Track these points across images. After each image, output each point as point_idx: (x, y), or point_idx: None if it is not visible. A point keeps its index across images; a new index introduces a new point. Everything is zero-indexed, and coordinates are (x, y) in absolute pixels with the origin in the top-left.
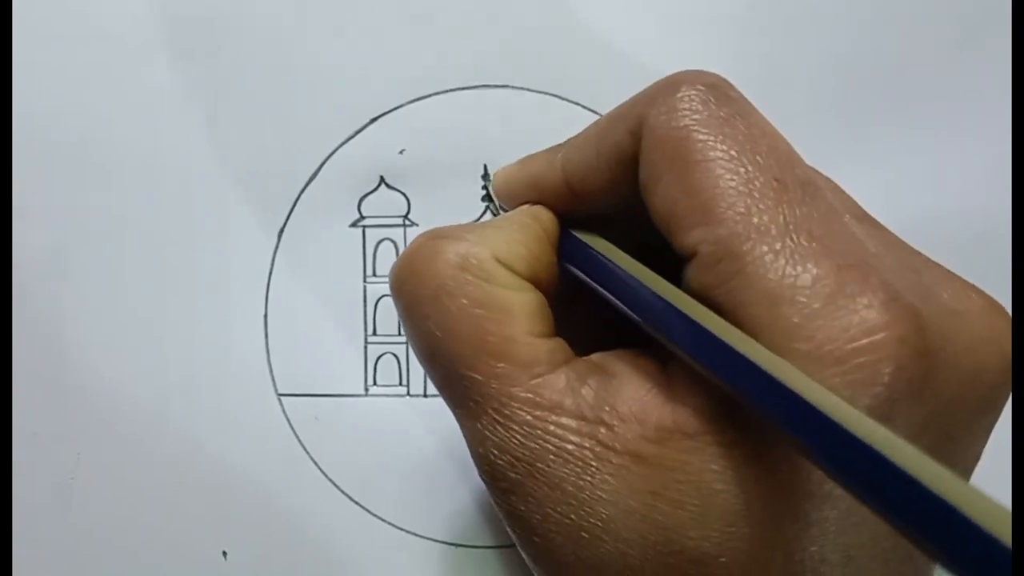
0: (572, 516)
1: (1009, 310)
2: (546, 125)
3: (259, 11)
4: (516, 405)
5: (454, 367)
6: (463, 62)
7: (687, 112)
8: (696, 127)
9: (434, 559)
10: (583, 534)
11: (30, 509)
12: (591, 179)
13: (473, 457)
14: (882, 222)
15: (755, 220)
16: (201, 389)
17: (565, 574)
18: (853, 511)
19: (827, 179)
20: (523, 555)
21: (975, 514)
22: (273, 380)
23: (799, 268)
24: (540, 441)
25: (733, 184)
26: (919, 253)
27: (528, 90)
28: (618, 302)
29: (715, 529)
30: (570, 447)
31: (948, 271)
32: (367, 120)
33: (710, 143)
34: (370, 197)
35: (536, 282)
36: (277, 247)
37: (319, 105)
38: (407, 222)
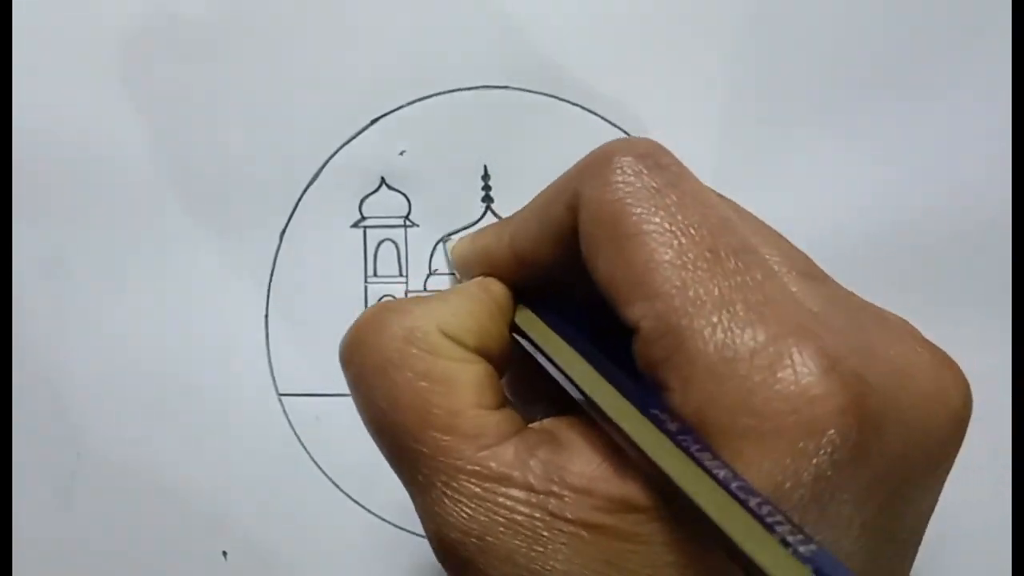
0: None
1: (1009, 310)
2: (546, 126)
3: (259, 12)
4: (464, 478)
5: (401, 440)
6: (463, 63)
7: (620, 184)
8: (629, 199)
9: (434, 559)
10: None
11: (30, 509)
12: (537, 252)
13: (426, 534)
14: (882, 222)
15: (691, 293)
16: (202, 389)
17: None
18: None
19: (772, 233)
20: None
21: None
22: (274, 380)
23: (737, 341)
24: (490, 513)
25: (668, 257)
26: (868, 306)
27: (528, 91)
28: (563, 380)
29: None
30: (520, 518)
31: (898, 321)
32: (368, 121)
33: (644, 215)
34: (371, 198)
35: (485, 353)
36: (279, 247)
37: (320, 106)
38: (408, 223)
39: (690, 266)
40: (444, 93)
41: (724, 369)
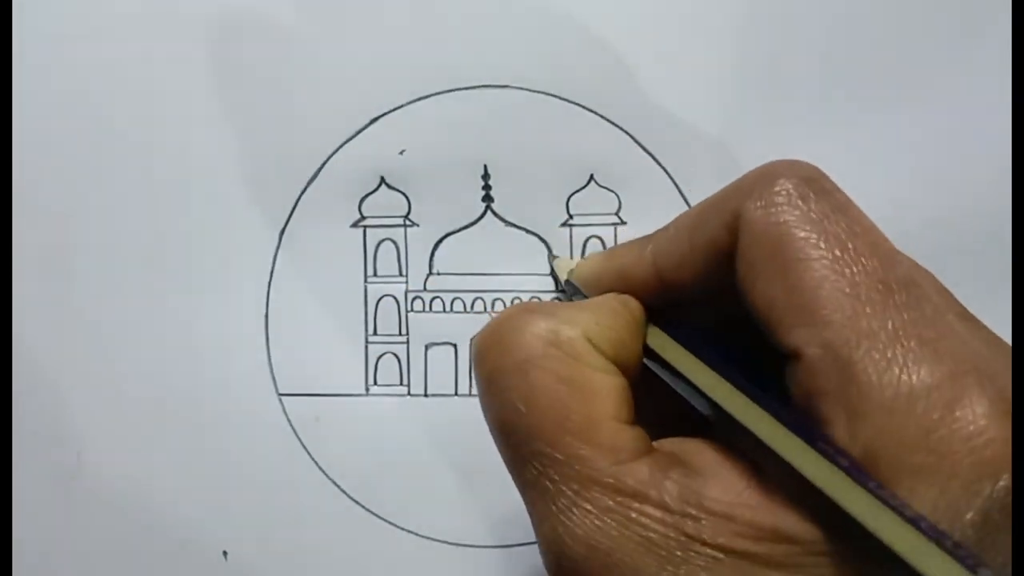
0: None
1: (1009, 310)
2: (546, 125)
3: (259, 11)
4: (598, 490)
5: (533, 444)
6: (463, 62)
7: (786, 208)
8: (796, 223)
9: (434, 558)
10: None
11: (30, 509)
12: (683, 271)
13: (540, 541)
14: (883, 223)
15: (863, 325)
16: (202, 388)
17: None
18: None
19: (926, 273)
20: None
21: None
22: (274, 380)
23: (914, 377)
24: (622, 529)
25: (839, 286)
26: (1008, 346)
27: (528, 90)
28: (704, 405)
29: None
30: (654, 536)
31: None
32: (367, 120)
33: (811, 241)
34: (371, 197)
35: (623, 367)
36: (278, 247)
37: (320, 105)
38: (408, 222)
39: (862, 296)
40: (444, 92)
41: (899, 405)
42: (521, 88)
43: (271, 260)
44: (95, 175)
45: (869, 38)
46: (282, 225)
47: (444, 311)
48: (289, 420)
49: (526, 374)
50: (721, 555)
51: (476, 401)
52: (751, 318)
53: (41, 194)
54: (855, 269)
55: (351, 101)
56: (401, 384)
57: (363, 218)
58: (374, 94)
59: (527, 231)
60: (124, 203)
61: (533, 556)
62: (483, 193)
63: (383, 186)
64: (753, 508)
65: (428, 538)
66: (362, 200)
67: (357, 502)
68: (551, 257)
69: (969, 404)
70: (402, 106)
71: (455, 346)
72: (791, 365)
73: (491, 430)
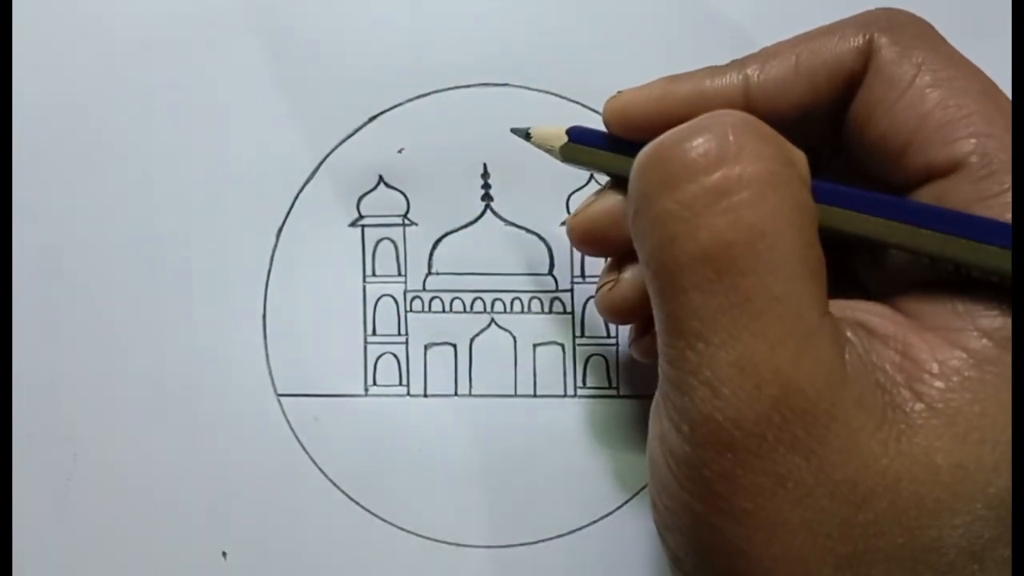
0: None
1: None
2: (546, 124)
3: (257, 9)
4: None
5: (761, 275)
6: (463, 60)
7: (921, 36)
8: (933, 48)
9: (434, 559)
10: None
11: (29, 510)
12: (785, 95)
13: (749, 377)
14: None
15: (1008, 139)
16: (200, 389)
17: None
18: None
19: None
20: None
21: None
22: (272, 380)
23: None
24: (855, 364)
25: (987, 108)
26: None
27: (528, 89)
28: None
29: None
30: (882, 378)
31: None
32: (366, 119)
33: (960, 70)
34: (369, 196)
35: None
36: (276, 246)
37: (317, 103)
38: (406, 221)
39: (998, 115)
40: (444, 91)
41: None
42: (521, 87)
43: (268, 259)
44: (93, 175)
45: None
46: (280, 224)
47: (443, 311)
48: (288, 420)
49: (765, 192)
50: (931, 414)
51: (475, 401)
52: (862, 149)
53: (40, 193)
54: (991, 101)
55: (349, 99)
56: (400, 384)
57: (361, 217)
58: (372, 92)
59: (527, 230)
60: (122, 203)
61: (533, 556)
62: (483, 192)
63: (382, 185)
64: (950, 348)
65: (427, 538)
66: (360, 199)
67: (356, 502)
68: (522, 131)
69: None
70: (401, 104)
71: (454, 346)
72: (940, 182)
73: (693, 257)
